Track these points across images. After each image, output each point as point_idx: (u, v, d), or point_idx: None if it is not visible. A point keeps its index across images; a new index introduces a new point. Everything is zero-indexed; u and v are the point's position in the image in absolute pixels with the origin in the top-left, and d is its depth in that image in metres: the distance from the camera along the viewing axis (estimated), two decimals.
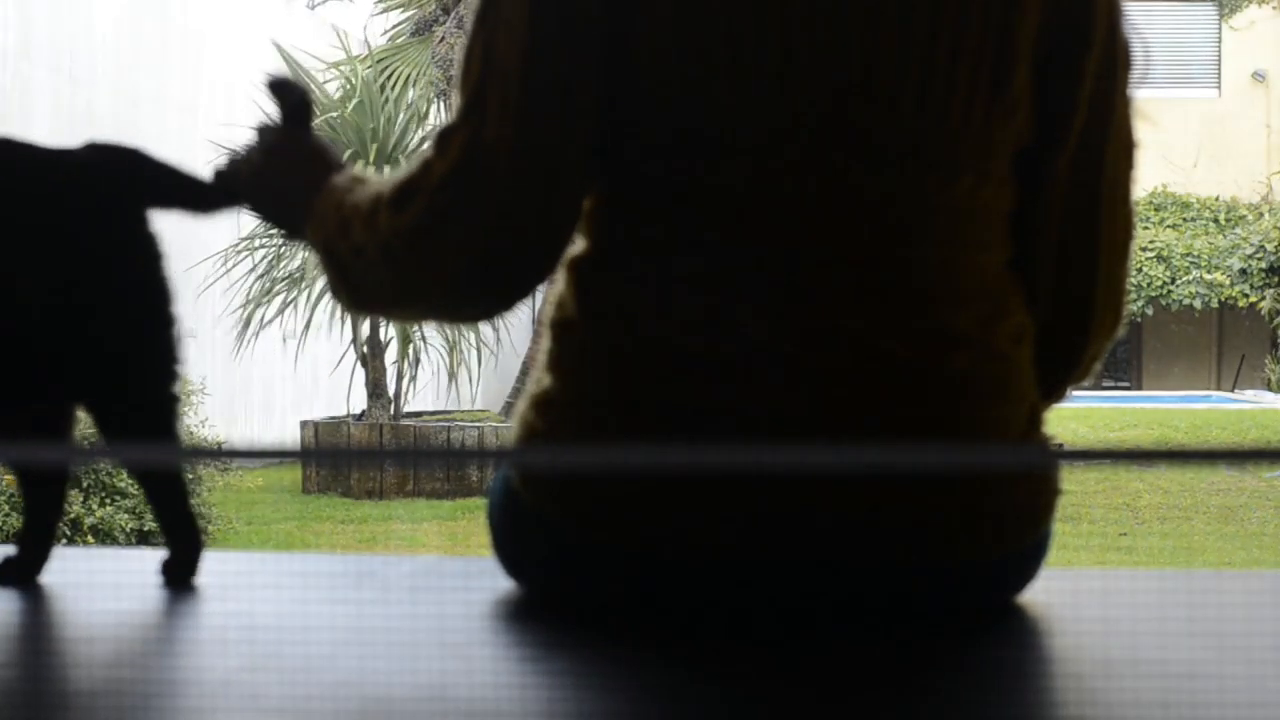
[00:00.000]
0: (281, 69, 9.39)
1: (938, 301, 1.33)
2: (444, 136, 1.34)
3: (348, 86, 9.33)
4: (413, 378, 9.38)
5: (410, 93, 9.62)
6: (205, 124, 9.68)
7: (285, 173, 1.45)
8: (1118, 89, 1.41)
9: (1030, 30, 1.35)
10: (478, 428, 9.11)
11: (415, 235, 1.33)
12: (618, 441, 1.32)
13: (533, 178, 1.32)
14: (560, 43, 1.32)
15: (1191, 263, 16.62)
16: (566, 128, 1.32)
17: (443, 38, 10.88)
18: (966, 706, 1.11)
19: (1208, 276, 16.49)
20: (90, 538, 6.04)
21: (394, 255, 1.34)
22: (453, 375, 9.34)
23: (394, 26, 11.32)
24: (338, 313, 8.59)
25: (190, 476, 6.64)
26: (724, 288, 1.32)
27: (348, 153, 8.94)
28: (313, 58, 9.51)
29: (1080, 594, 1.55)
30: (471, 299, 1.37)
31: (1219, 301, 16.55)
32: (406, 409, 9.76)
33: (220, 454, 0.85)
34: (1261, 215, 17.25)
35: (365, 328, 9.24)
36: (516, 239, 1.33)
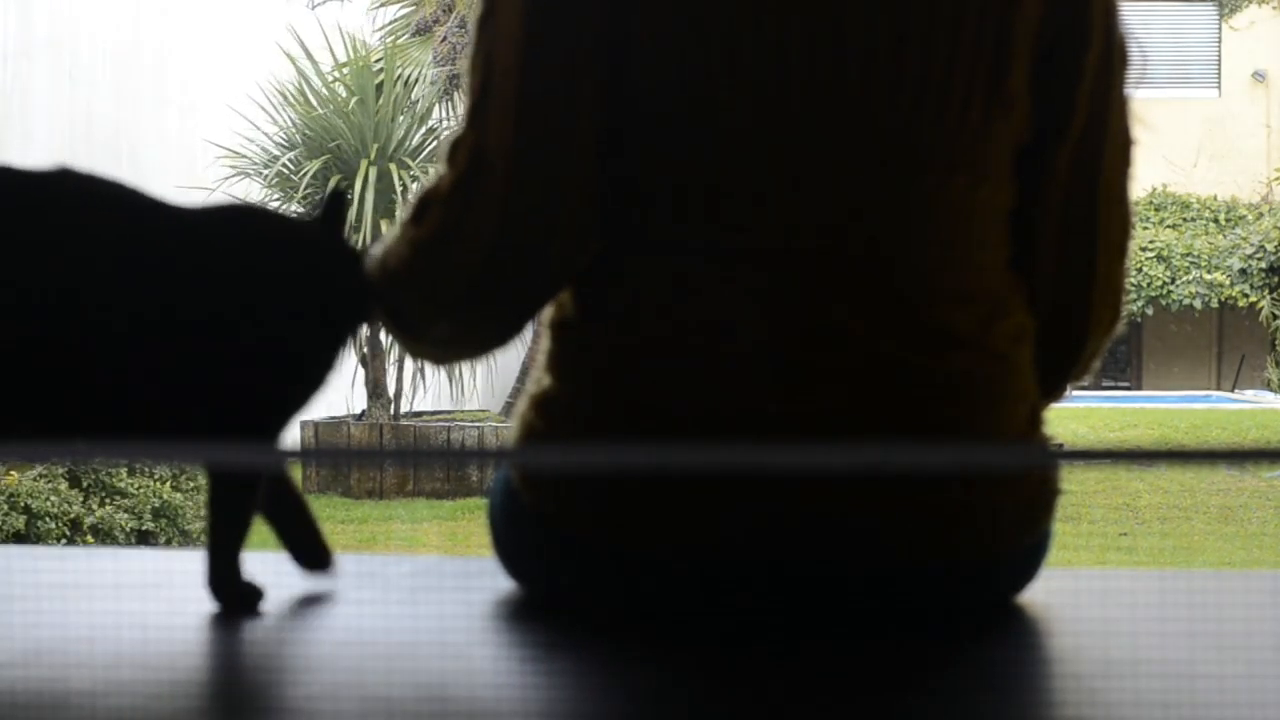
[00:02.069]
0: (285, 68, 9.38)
1: (937, 301, 1.33)
2: (453, 145, 1.36)
3: (349, 87, 9.32)
4: (421, 374, 9.37)
5: (412, 93, 9.62)
6: (205, 124, 9.68)
7: None
8: (1115, 87, 1.41)
9: (1028, 28, 1.35)
10: (478, 428, 9.11)
11: (432, 246, 1.35)
12: (617, 441, 1.32)
13: (536, 180, 1.32)
14: (557, 45, 1.32)
15: (1191, 263, 16.61)
16: (566, 129, 1.33)
17: (444, 37, 10.87)
18: (966, 706, 1.11)
19: (1208, 276, 16.48)
20: (90, 538, 6.04)
21: (417, 270, 1.37)
22: (450, 375, 9.33)
23: (390, 22, 11.31)
24: None
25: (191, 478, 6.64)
26: (722, 287, 1.32)
27: (333, 143, 8.93)
28: (314, 58, 9.50)
29: (1080, 594, 1.55)
30: (489, 310, 1.38)
31: (1219, 301, 16.55)
32: (408, 409, 9.75)
33: (220, 454, 0.85)
34: (1261, 215, 17.24)
35: (365, 328, 9.24)
36: (526, 243, 1.33)
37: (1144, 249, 16.54)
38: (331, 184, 8.65)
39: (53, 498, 5.95)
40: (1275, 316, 16.13)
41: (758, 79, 1.31)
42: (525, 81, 1.32)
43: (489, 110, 1.33)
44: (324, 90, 9.34)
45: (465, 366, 9.30)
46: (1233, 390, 16.33)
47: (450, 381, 9.59)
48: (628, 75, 1.33)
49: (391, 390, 9.44)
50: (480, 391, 11.49)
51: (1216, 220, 17.62)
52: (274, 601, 1.38)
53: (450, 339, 1.43)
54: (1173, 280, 16.63)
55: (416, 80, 9.86)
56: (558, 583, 1.39)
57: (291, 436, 10.11)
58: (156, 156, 9.40)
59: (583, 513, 1.33)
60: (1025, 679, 1.21)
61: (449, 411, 10.17)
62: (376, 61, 9.92)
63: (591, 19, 1.32)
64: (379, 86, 9.33)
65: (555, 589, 1.39)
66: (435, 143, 9.36)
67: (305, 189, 8.86)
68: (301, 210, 8.99)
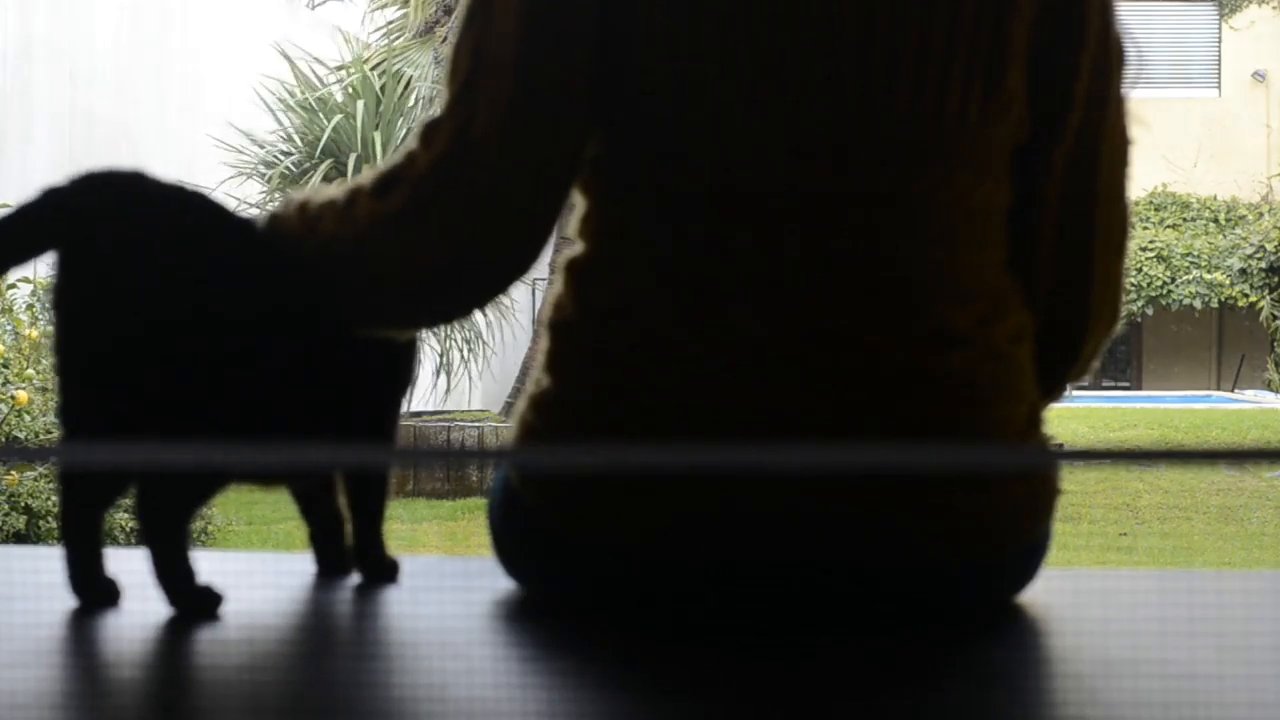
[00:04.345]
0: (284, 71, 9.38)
1: (936, 301, 1.34)
2: (430, 128, 1.34)
3: (350, 89, 9.33)
4: (446, 370, 9.32)
5: (412, 96, 9.62)
6: (205, 124, 9.68)
7: None
8: (1112, 86, 1.41)
9: (1024, 27, 1.35)
10: (478, 428, 9.11)
11: (397, 222, 1.33)
12: (616, 441, 1.32)
13: (519, 171, 1.32)
14: (554, 39, 1.32)
15: (1191, 263, 16.62)
16: (556, 123, 1.33)
17: (445, 38, 10.87)
18: (966, 706, 1.11)
19: (1208, 276, 16.49)
20: None
21: (373, 243, 1.34)
22: (444, 370, 9.32)
23: (389, 22, 11.31)
24: None
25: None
26: (720, 288, 1.32)
27: (351, 156, 8.95)
28: (314, 59, 9.50)
29: (1080, 594, 1.55)
30: (445, 291, 1.36)
31: (1219, 301, 16.56)
32: (407, 409, 9.73)
33: (222, 454, 0.85)
34: (1261, 215, 17.25)
35: None
36: (497, 232, 1.33)
37: (1144, 249, 16.56)
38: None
39: (53, 498, 5.95)
40: (1275, 316, 16.13)
41: (755, 80, 1.31)
42: (520, 72, 1.32)
43: (478, 98, 1.32)
44: (323, 93, 9.34)
45: (465, 367, 9.30)
46: (1233, 390, 16.33)
47: (439, 375, 9.57)
48: (626, 73, 1.33)
49: None
50: (480, 391, 11.50)
51: (1216, 220, 17.64)
52: (274, 601, 1.38)
53: (397, 313, 1.39)
54: (1173, 280, 16.64)
55: (418, 82, 9.85)
56: (558, 583, 1.39)
57: None
58: (157, 156, 9.40)
59: (582, 513, 1.33)
60: (1025, 679, 1.21)
61: (449, 411, 10.16)
62: (379, 64, 9.92)
63: (588, 15, 1.32)
64: (379, 88, 9.33)
65: (555, 589, 1.39)
66: None
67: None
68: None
